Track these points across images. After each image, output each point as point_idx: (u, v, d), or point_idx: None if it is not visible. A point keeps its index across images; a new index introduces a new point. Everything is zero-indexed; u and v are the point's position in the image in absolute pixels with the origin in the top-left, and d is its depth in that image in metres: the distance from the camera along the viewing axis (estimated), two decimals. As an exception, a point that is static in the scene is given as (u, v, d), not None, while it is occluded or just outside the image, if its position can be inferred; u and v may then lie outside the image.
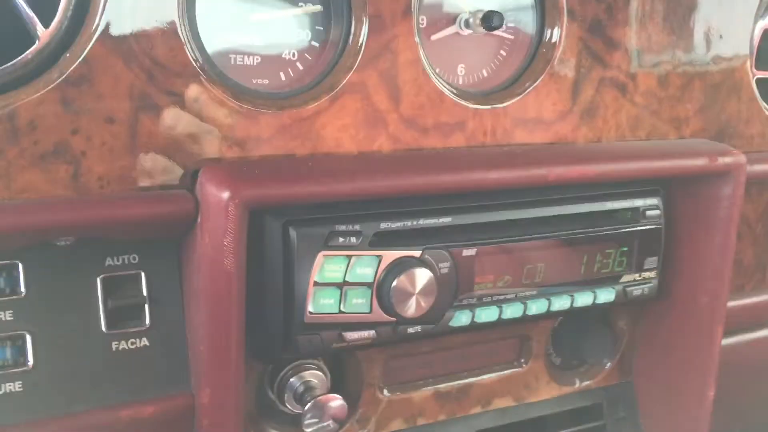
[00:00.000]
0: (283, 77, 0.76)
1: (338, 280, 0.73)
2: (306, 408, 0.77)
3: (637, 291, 0.92)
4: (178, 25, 0.66)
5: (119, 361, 0.69)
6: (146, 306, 0.71)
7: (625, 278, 0.91)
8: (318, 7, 0.76)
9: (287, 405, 0.80)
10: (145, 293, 0.71)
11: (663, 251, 0.92)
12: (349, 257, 0.73)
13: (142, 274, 0.71)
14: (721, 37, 0.96)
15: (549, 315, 0.87)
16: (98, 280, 0.69)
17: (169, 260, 0.71)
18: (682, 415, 1.00)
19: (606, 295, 0.89)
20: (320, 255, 0.72)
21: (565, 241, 0.85)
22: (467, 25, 0.83)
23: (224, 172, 0.67)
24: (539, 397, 0.98)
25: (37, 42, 0.62)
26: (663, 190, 0.93)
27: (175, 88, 0.67)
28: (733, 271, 0.96)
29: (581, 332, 0.98)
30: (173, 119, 0.67)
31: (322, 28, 0.77)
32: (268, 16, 0.74)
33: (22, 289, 0.66)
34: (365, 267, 0.74)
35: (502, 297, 0.82)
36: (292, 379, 0.80)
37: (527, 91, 0.85)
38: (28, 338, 0.66)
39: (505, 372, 0.95)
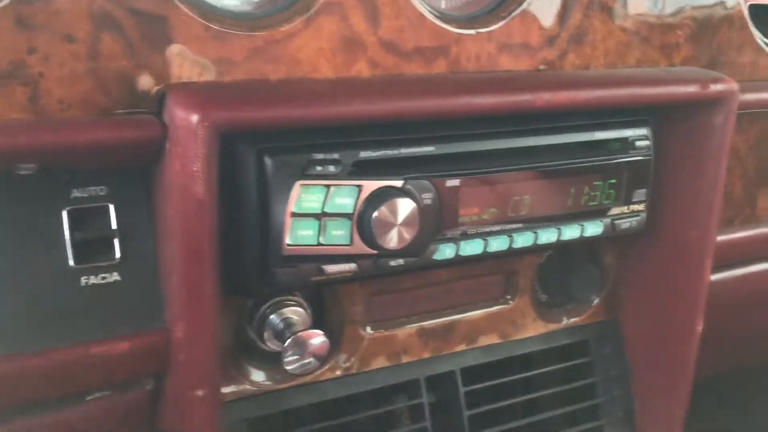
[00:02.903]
0: (254, -3, 0.72)
1: (317, 210, 0.70)
2: (286, 345, 0.75)
3: (625, 224, 0.89)
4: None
5: (89, 296, 0.66)
6: (116, 239, 0.67)
7: (614, 211, 0.88)
8: None
9: (267, 343, 0.78)
10: (114, 226, 0.67)
11: (652, 183, 0.90)
12: (328, 187, 0.70)
13: (111, 207, 0.67)
14: (714, -43, 0.93)
15: (536, 248, 0.84)
16: (64, 212, 0.66)
17: (139, 191, 0.68)
18: (669, 350, 0.99)
19: (594, 228, 0.87)
20: (297, 184, 0.68)
21: (552, 173, 0.82)
22: (450, -57, 0.79)
23: (193, 94, 0.63)
24: (525, 334, 0.96)
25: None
26: (652, 120, 0.90)
27: (138, 5, 0.63)
28: (722, 205, 0.94)
29: (568, 268, 0.96)
30: (137, 39, 0.63)
31: (293, -56, 0.72)
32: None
33: (-17, 221, 0.63)
34: (345, 197, 0.71)
35: (487, 230, 0.80)
36: (271, 316, 0.78)
37: (513, 15, 0.81)
38: (-9, 272, 0.63)
39: (491, 309, 0.93)
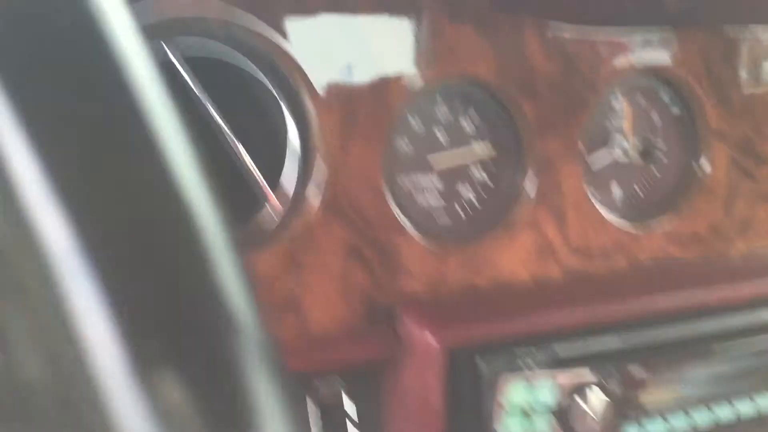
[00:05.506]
0: (463, 216, 0.84)
1: (522, 404, 0.80)
2: None
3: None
4: (383, 188, 0.76)
5: (329, 479, 0.78)
6: (349, 425, 0.79)
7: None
8: (492, 153, 0.84)
9: None
10: (351, 415, 0.79)
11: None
12: (530, 381, 0.80)
13: (345, 397, 0.79)
14: None
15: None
16: (309, 401, 0.78)
17: (371, 387, 0.80)
18: None
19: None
20: (504, 380, 0.79)
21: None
22: (626, 154, 0.90)
23: (425, 313, 0.75)
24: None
25: (272, 211, 0.72)
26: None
27: (380, 239, 0.76)
28: None
29: None
30: (377, 264, 0.77)
31: (495, 171, 0.85)
32: (449, 161, 0.83)
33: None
34: (545, 391, 0.80)
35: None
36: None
37: (681, 209, 0.91)
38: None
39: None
